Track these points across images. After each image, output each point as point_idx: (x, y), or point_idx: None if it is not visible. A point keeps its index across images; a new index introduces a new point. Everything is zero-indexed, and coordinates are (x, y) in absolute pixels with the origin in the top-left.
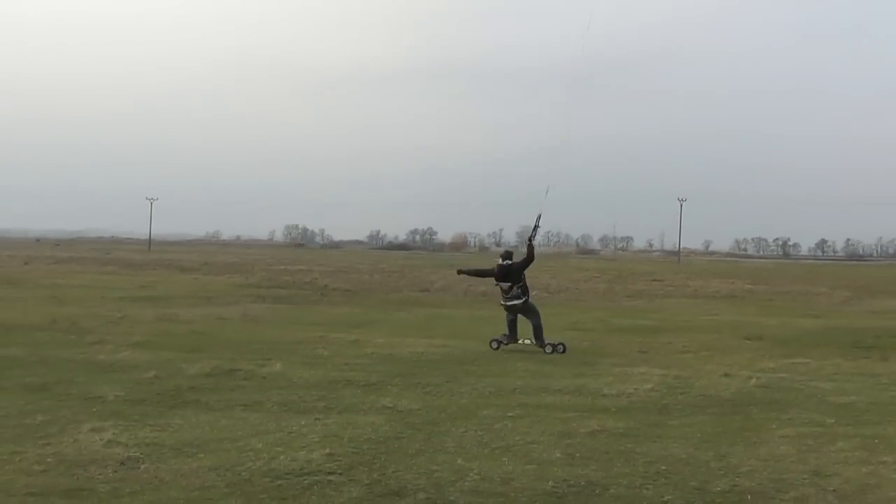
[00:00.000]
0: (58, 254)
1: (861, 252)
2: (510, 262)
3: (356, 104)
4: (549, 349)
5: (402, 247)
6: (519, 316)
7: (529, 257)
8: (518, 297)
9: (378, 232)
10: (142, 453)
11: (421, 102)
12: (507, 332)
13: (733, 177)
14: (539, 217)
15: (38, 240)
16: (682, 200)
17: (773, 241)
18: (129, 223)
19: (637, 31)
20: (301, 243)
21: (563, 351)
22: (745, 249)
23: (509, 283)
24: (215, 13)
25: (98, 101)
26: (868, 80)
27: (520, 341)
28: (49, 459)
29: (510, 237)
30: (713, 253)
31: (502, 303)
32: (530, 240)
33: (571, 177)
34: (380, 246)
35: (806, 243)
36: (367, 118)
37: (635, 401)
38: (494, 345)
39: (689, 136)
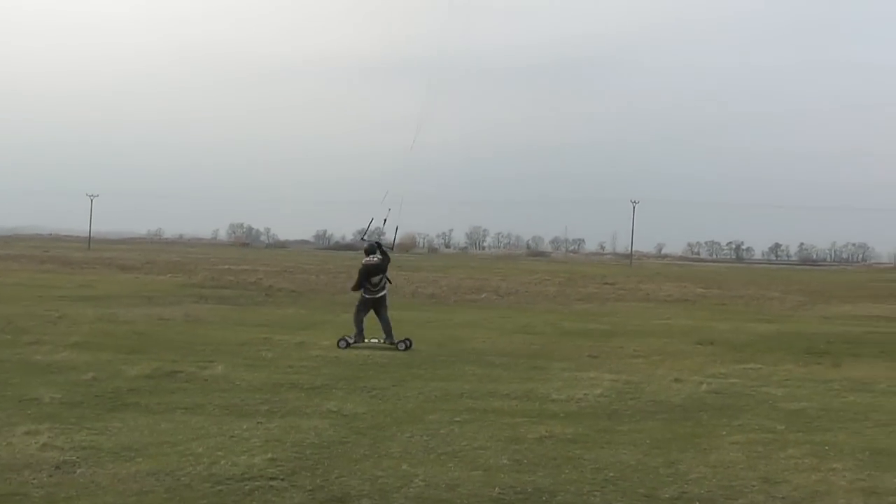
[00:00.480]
0: None
1: (815, 256)
2: (373, 257)
3: (300, 103)
4: (402, 346)
5: (348, 247)
6: (368, 316)
7: (388, 260)
8: (383, 289)
9: (325, 232)
10: (78, 457)
11: (369, 103)
12: (355, 330)
13: (686, 180)
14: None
15: None
16: (634, 203)
17: (727, 244)
18: (68, 220)
19: (589, 35)
20: (246, 243)
21: (410, 345)
22: (698, 253)
23: (380, 276)
24: (156, 9)
25: (37, 96)
26: (822, 89)
27: (369, 340)
28: None
29: (460, 237)
30: (666, 256)
31: (368, 296)
32: (380, 245)
33: (521, 176)
34: (326, 246)
35: (759, 247)
36: (311, 117)
37: (585, 406)
38: (343, 344)
39: (643, 139)
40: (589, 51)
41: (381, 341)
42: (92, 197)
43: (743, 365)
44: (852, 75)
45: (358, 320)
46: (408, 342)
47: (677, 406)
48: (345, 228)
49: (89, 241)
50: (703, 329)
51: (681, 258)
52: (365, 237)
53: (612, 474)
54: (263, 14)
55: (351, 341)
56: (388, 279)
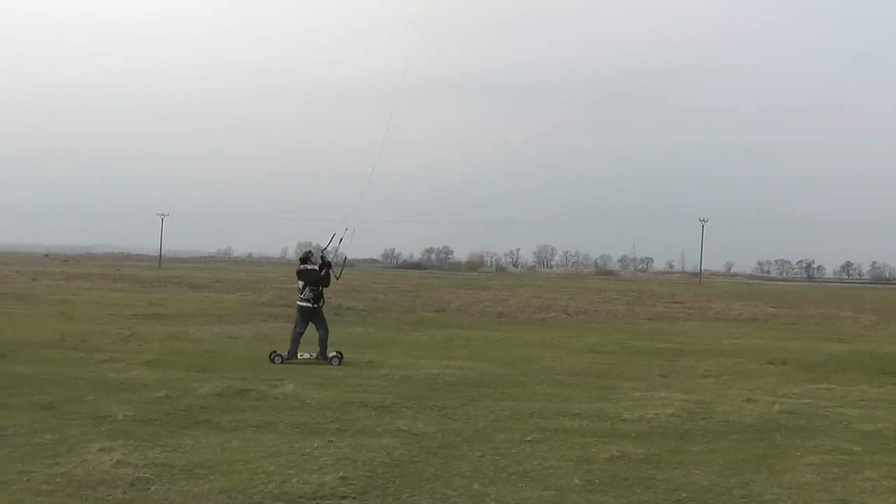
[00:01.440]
0: (67, 269)
1: (888, 275)
2: (305, 265)
3: (369, 119)
4: (335, 361)
5: (416, 265)
6: (306, 331)
7: (323, 282)
8: (309, 301)
9: (393, 250)
10: (152, 474)
11: (435, 118)
12: (290, 345)
13: (755, 197)
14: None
15: (46, 255)
16: (703, 221)
17: (797, 263)
18: (139, 239)
19: (656, 46)
20: None
21: (341, 359)
22: (768, 272)
23: (303, 283)
24: (228, 27)
25: (108, 115)
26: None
27: (300, 355)
28: (57, 479)
29: (528, 256)
30: (735, 275)
31: (299, 303)
32: (330, 267)
33: (589, 195)
34: (394, 265)
35: (830, 266)
36: (380, 134)
37: (656, 426)
38: (278, 360)
39: (710, 154)
40: (656, 65)
41: (313, 356)
42: (162, 216)
43: (816, 385)
44: None
45: (294, 335)
46: (339, 355)
47: (750, 426)
48: (412, 247)
49: (160, 260)
50: (775, 348)
51: (750, 277)
52: (325, 250)
53: (684, 495)
54: (333, 33)
55: (285, 357)
56: (314, 296)
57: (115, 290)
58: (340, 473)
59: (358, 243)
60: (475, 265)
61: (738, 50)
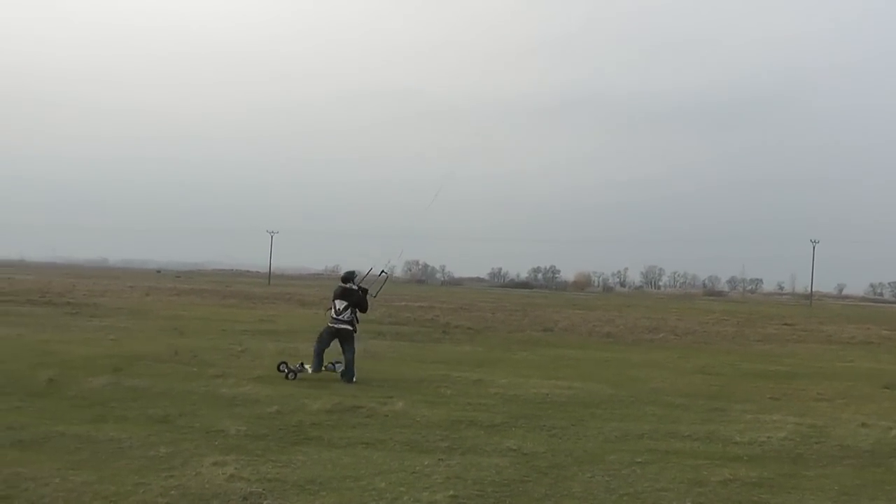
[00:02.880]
0: (178, 285)
1: None
2: (350, 285)
3: (470, 143)
4: (349, 377)
5: (523, 285)
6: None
7: (363, 307)
8: (348, 322)
9: (500, 269)
10: (264, 489)
11: (542, 137)
12: (314, 359)
13: (869, 219)
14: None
15: (158, 271)
16: (814, 242)
17: None
18: (249, 256)
19: (768, 62)
20: (422, 279)
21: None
22: (881, 294)
23: (345, 304)
24: (334, 46)
25: (220, 134)
26: None
27: (325, 367)
28: (172, 492)
29: (635, 276)
30: (846, 297)
31: (330, 324)
32: (366, 293)
33: (697, 215)
34: (501, 283)
35: None
36: (489, 153)
37: (768, 449)
38: (292, 375)
39: (822, 178)
40: (770, 88)
41: (333, 366)
42: (272, 233)
43: None
44: None
45: (317, 350)
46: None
47: (865, 451)
48: (519, 266)
49: (269, 277)
50: (890, 372)
51: (862, 299)
52: (361, 283)
53: None
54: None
55: (306, 370)
56: (356, 318)
57: (226, 306)
58: (451, 492)
59: (466, 262)
60: (582, 285)
61: (847, 55)
